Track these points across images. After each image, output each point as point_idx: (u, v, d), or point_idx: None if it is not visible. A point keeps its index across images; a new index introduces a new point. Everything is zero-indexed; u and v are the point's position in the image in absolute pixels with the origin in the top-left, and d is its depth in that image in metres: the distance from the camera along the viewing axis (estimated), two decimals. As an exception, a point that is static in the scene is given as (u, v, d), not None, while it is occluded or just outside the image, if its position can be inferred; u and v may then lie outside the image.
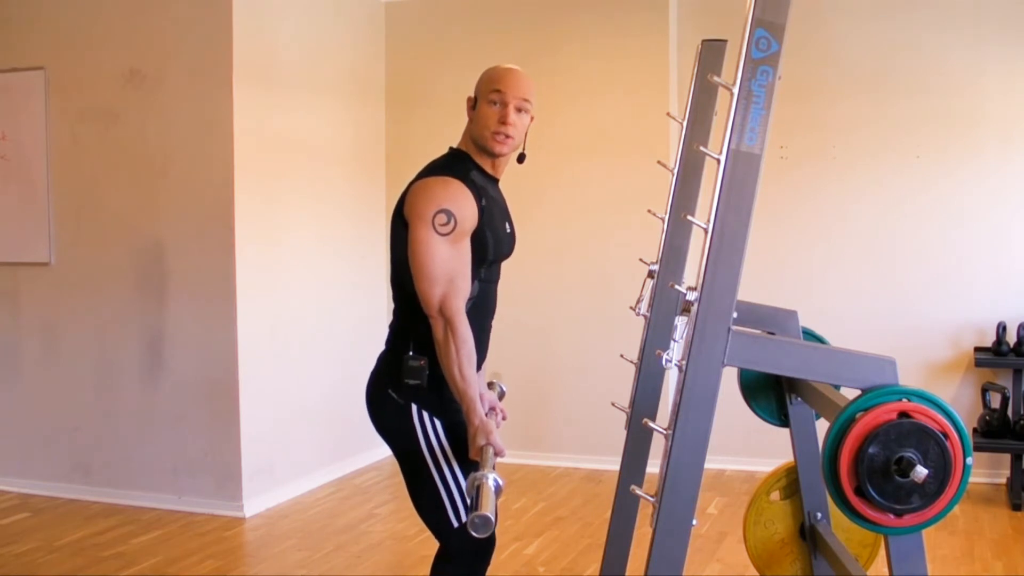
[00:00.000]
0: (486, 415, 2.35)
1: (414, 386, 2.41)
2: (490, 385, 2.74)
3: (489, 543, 2.46)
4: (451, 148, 2.55)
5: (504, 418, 2.63)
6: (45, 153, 5.05)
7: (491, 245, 2.44)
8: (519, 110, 2.45)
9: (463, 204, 2.37)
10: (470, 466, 2.33)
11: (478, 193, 2.41)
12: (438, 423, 2.43)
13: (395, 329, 2.52)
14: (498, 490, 2.08)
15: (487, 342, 2.58)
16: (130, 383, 4.92)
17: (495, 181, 2.53)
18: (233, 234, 4.67)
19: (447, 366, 2.32)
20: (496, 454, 2.24)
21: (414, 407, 2.43)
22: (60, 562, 4.10)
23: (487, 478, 2.08)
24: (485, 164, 2.50)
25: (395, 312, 2.54)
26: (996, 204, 5.16)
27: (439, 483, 2.41)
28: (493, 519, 1.99)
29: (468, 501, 2.38)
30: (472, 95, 2.50)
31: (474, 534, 1.99)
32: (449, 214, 2.33)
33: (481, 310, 2.49)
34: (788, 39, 1.77)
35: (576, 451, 5.65)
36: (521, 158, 2.57)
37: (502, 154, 2.48)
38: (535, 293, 5.63)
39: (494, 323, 2.60)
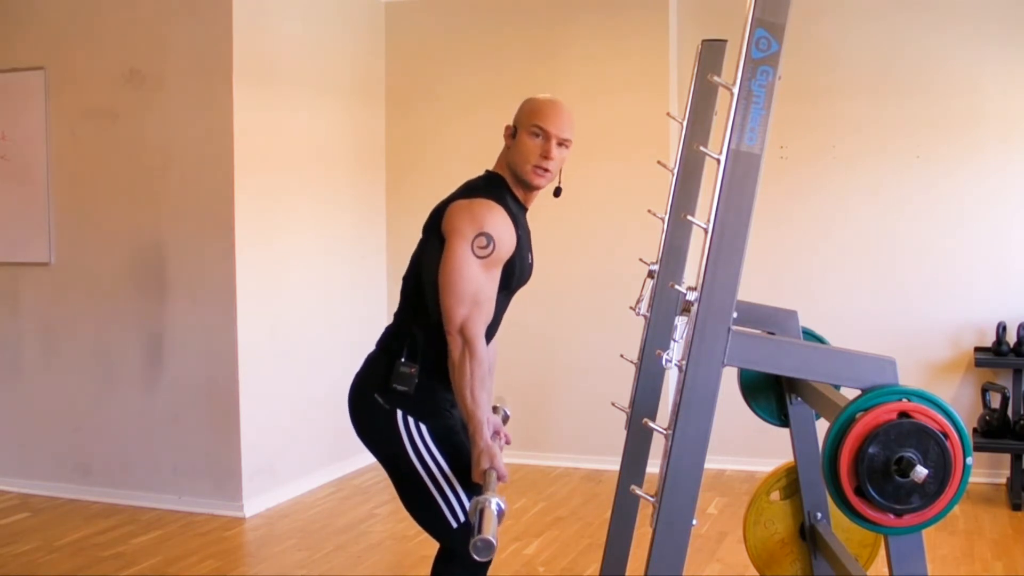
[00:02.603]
0: (491, 439, 2.35)
1: (401, 392, 2.41)
2: (495, 409, 2.74)
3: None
4: (487, 171, 2.56)
5: (508, 443, 2.63)
6: (45, 153, 5.05)
7: (516, 274, 2.47)
8: (560, 145, 2.46)
9: (504, 231, 2.39)
10: (460, 468, 2.35)
11: (515, 221, 2.43)
12: (423, 427, 2.42)
13: (392, 332, 2.53)
14: (500, 514, 2.08)
15: None
16: (130, 383, 4.92)
17: (525, 210, 2.55)
18: (233, 234, 4.67)
19: (459, 386, 2.32)
20: (499, 478, 2.24)
21: (399, 412, 2.42)
22: (60, 562, 4.10)
23: (490, 502, 2.09)
24: (518, 193, 2.52)
25: (397, 316, 2.55)
26: (996, 204, 5.16)
27: (431, 487, 2.40)
28: (495, 543, 2.01)
29: (464, 501, 2.39)
30: (511, 124, 2.51)
31: (476, 558, 2.02)
32: (489, 238, 2.35)
33: (487, 334, 2.49)
34: (788, 39, 1.77)
35: (576, 451, 5.65)
36: (557, 192, 2.58)
37: (540, 187, 2.51)
38: (535, 293, 5.52)
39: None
